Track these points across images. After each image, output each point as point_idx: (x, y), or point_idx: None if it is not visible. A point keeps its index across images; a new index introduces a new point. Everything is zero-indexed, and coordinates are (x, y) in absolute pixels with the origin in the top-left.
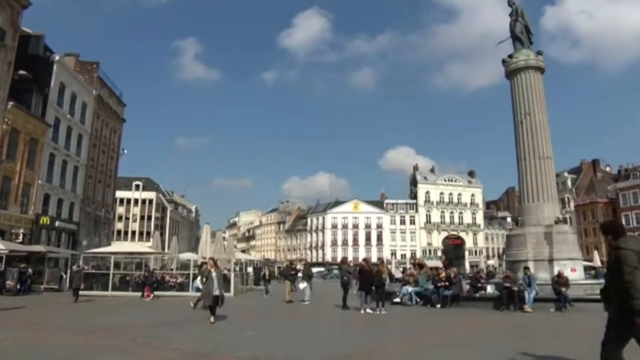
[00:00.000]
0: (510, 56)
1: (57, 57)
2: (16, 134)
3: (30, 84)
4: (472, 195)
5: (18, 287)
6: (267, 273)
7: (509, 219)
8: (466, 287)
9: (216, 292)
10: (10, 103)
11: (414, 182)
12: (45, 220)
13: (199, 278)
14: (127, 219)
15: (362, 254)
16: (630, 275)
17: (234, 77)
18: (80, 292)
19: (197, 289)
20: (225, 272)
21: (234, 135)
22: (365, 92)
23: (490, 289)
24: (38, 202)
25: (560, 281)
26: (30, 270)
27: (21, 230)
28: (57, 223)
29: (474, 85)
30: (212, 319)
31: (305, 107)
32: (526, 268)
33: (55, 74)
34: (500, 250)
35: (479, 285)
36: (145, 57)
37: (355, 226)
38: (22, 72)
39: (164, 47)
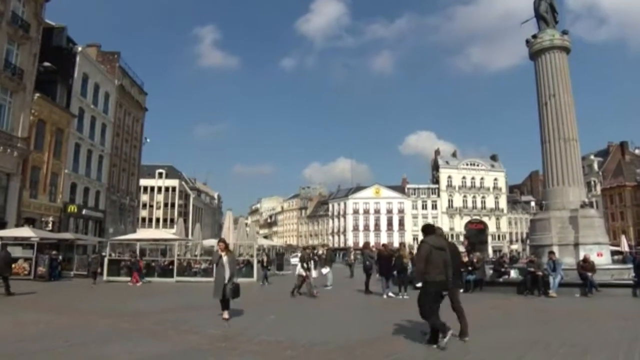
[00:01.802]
0: (534, 36)
1: (79, 49)
2: (43, 125)
3: (54, 75)
4: (495, 179)
5: (49, 273)
6: (264, 259)
7: (532, 203)
8: (489, 272)
9: (228, 282)
10: (37, 94)
11: (435, 167)
12: (72, 208)
13: (299, 265)
14: (151, 206)
15: (383, 239)
16: (418, 262)
17: (253, 63)
18: (109, 278)
19: (299, 276)
20: (249, 258)
21: (254, 122)
22: (384, 76)
23: (514, 273)
24: (65, 191)
25: (586, 266)
26: (60, 257)
27: (50, 219)
28: (84, 211)
29: (496, 67)
30: (225, 314)
31: (324, 93)
32: (551, 253)
33: (78, 65)
34: (524, 235)
35: (503, 270)
36: (165, 46)
37: (377, 211)
38: (46, 63)
39: (183, 35)
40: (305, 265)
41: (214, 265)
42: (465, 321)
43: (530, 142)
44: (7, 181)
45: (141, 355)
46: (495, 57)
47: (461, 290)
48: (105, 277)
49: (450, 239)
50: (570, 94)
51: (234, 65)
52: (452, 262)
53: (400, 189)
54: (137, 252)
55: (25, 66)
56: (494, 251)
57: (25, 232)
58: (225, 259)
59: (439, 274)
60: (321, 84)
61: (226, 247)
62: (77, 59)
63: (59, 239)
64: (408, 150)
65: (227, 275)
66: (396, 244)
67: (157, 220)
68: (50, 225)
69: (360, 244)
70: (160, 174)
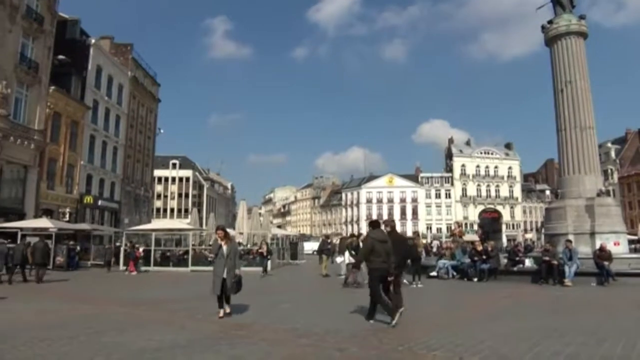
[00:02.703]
0: (550, 22)
1: (93, 41)
2: (58, 117)
3: (68, 67)
4: (509, 167)
5: (67, 263)
6: (265, 250)
7: (547, 192)
8: (504, 260)
9: (226, 275)
10: (52, 87)
11: (449, 155)
12: (88, 199)
13: (339, 254)
14: (165, 196)
15: (397, 229)
16: (361, 253)
17: (265, 53)
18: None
19: (348, 265)
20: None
21: (267, 111)
22: (397, 65)
23: (528, 262)
24: (81, 182)
25: (602, 255)
26: (78, 247)
27: (67, 210)
28: (100, 202)
29: (511, 54)
30: (221, 312)
31: (336, 82)
32: (568, 241)
33: (92, 57)
34: (539, 224)
35: (517, 258)
36: (177, 37)
37: (390, 200)
38: (61, 56)
39: (195, 25)
40: (353, 253)
41: (214, 257)
42: (400, 301)
43: (545, 130)
44: (25, 173)
45: (158, 342)
46: (510, 44)
47: (475, 279)
48: (121, 267)
49: (464, 228)
50: (586, 80)
51: (247, 55)
52: (397, 252)
53: (413, 177)
54: (151, 242)
55: (40, 59)
56: (508, 240)
57: (44, 223)
58: (225, 248)
59: (382, 262)
60: (333, 73)
61: (226, 236)
62: (91, 51)
63: (76, 229)
64: (421, 139)
65: (225, 267)
66: (410, 233)
67: (172, 210)
68: (67, 216)
69: None
70: (174, 165)
